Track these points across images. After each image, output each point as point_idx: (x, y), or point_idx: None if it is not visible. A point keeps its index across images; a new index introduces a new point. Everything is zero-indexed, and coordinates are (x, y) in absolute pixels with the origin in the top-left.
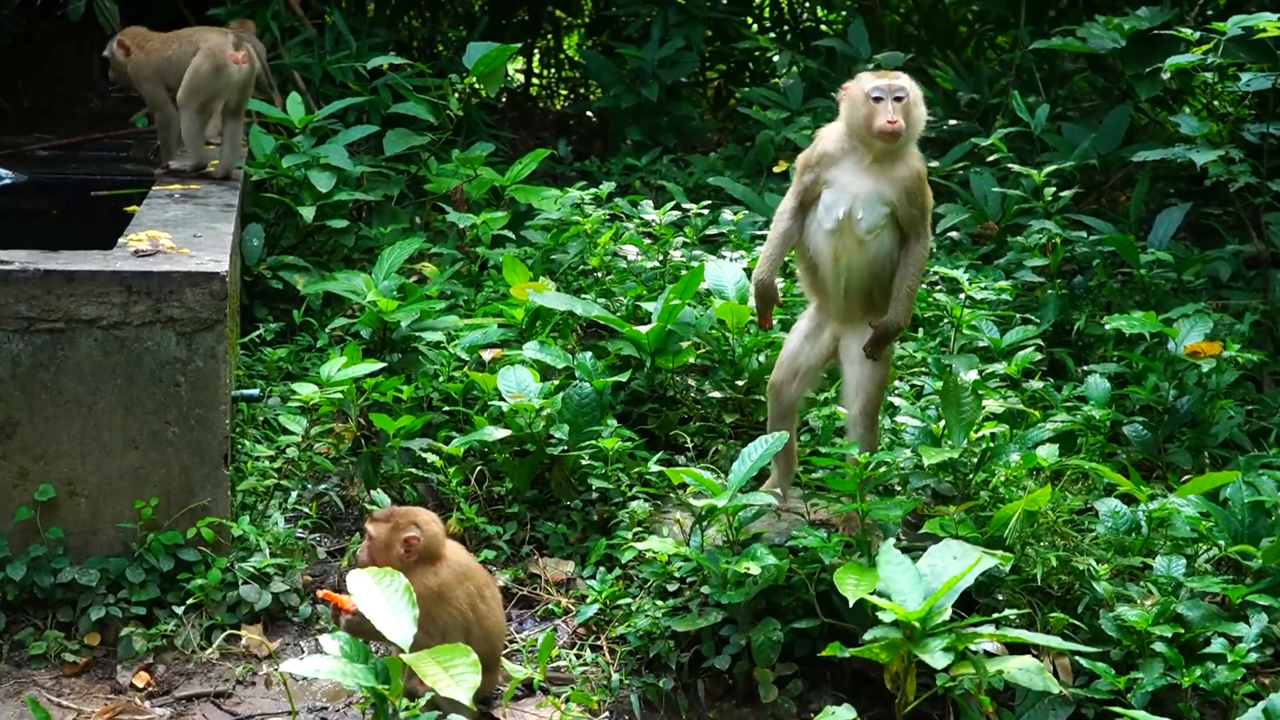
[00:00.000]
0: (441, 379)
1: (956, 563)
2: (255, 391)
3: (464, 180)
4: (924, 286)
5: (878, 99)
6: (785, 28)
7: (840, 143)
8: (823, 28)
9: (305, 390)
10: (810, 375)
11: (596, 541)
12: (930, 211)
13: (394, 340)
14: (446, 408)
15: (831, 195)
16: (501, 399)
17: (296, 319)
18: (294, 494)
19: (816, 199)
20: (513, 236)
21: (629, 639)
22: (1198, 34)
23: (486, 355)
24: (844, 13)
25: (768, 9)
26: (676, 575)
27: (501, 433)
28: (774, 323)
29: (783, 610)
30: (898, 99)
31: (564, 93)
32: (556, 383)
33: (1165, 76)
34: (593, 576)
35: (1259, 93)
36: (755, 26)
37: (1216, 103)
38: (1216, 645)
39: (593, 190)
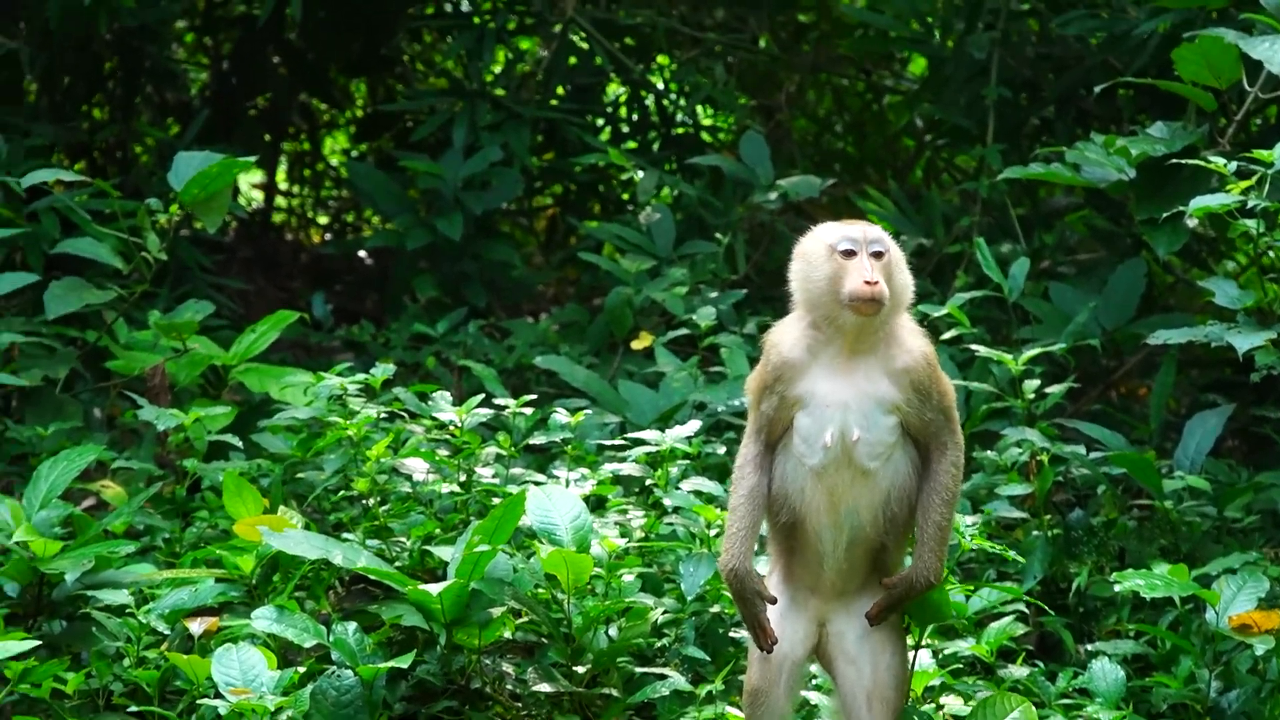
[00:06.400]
0: (128, 663)
1: None
2: None
3: (166, 357)
4: None
5: (847, 253)
6: (651, 134)
7: (803, 338)
8: (704, 136)
9: None
10: (799, 673)
11: None
12: (954, 407)
13: (54, 602)
14: (134, 707)
15: (809, 418)
16: (219, 695)
17: None
18: None
19: (787, 430)
20: (240, 444)
21: None
22: (1234, 165)
23: (196, 627)
24: (735, 115)
25: (624, 107)
26: None
27: None
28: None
29: None
30: (876, 254)
31: (323, 222)
32: (303, 669)
33: (1191, 223)
34: None
35: None
36: (607, 131)
37: (1271, 253)
38: None
39: (362, 375)
